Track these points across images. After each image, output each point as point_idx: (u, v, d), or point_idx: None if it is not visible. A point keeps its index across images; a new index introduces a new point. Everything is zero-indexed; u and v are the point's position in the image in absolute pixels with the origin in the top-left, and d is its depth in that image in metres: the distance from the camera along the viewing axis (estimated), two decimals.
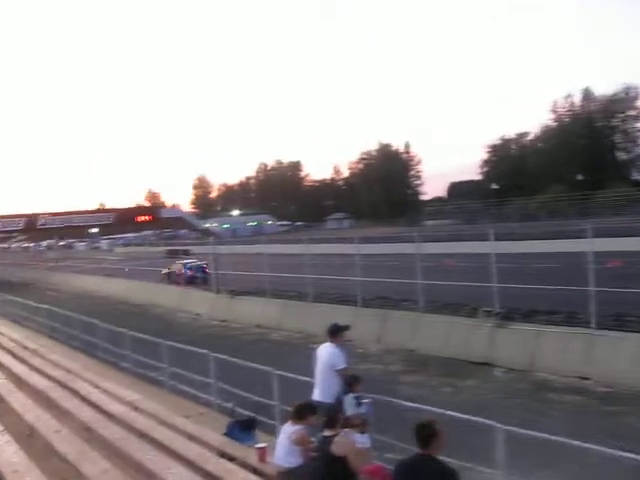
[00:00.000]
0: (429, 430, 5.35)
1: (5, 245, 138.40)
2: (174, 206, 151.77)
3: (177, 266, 39.24)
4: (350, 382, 8.13)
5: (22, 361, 14.45)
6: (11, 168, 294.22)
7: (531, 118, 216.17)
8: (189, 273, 37.67)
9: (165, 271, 40.07)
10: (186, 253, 46.37)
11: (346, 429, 7.01)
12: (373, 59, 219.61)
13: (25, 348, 17.04)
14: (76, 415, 9.36)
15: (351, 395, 7.93)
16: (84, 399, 10.71)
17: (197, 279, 36.51)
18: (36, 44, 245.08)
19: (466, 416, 7.50)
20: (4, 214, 76.95)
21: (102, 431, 8.47)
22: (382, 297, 22.16)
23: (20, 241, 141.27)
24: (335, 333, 8.99)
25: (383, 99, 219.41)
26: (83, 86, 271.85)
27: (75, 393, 11.17)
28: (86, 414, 9.40)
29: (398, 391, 13.62)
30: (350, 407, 7.79)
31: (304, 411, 7.21)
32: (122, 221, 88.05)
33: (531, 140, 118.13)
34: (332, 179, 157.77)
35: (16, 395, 10.19)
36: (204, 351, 13.16)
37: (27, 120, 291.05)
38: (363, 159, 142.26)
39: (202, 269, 37.27)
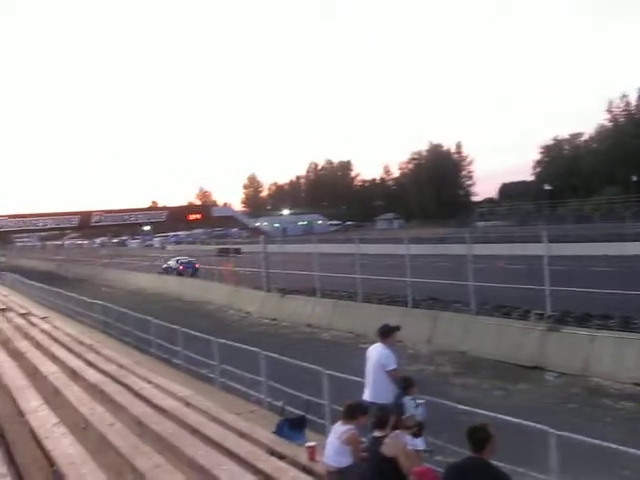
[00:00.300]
0: (482, 434, 5.30)
1: (60, 242, 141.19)
2: (225, 205, 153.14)
3: (172, 262, 47.74)
4: (405, 385, 8.10)
5: (77, 355, 14.71)
6: (66, 166, 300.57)
7: (585, 118, 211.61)
8: (180, 268, 45.98)
9: (165, 265, 48.27)
10: (237, 252, 46.69)
11: (397, 430, 6.99)
12: (425, 58, 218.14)
13: (80, 343, 17.35)
14: (129, 409, 9.49)
15: (409, 397, 7.89)
16: (137, 394, 10.85)
17: (187, 272, 44.41)
18: (80, 45, 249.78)
19: (518, 420, 7.42)
20: (59, 212, 78.67)
21: (155, 426, 8.57)
22: (432, 298, 21.98)
23: (74, 238, 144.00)
24: (386, 334, 8.97)
25: (435, 98, 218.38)
26: (137, 84, 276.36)
27: (128, 388, 11.33)
28: (139, 409, 9.52)
29: (449, 393, 13.50)
30: (410, 410, 7.76)
31: (355, 411, 7.21)
32: (174, 219, 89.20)
33: (585, 140, 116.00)
34: (382, 179, 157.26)
35: (71, 388, 10.39)
36: (255, 349, 13.25)
37: (81, 119, 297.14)
38: (413, 159, 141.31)
39: (192, 265, 45.14)
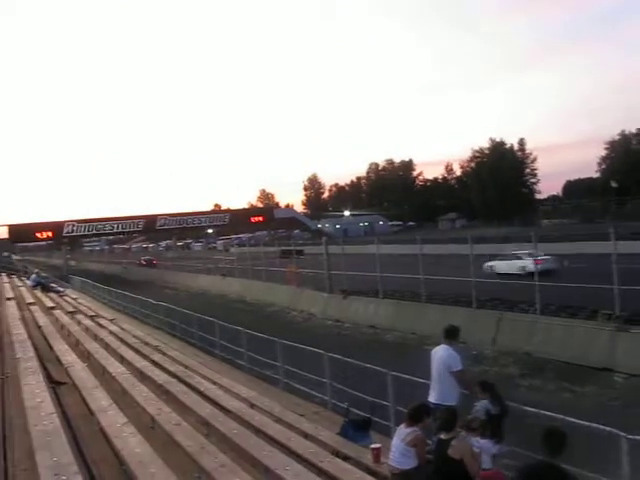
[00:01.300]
0: (558, 438, 5.18)
1: (126, 246, 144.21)
2: (287, 206, 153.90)
3: (146, 257, 64.49)
4: (483, 388, 7.99)
5: (144, 356, 14.98)
6: (132, 172, 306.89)
7: None
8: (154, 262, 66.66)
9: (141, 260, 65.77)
10: (299, 253, 46.84)
11: (464, 433, 6.90)
12: (489, 53, 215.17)
13: (146, 344, 17.67)
14: (195, 410, 9.62)
15: (485, 401, 7.77)
16: (202, 394, 10.98)
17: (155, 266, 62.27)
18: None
19: (587, 423, 7.22)
20: (125, 216, 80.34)
21: (220, 426, 8.65)
22: (496, 298, 21.68)
23: (140, 242, 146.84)
24: (451, 334, 8.87)
25: (497, 93, 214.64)
26: (200, 86, 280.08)
27: (194, 388, 11.48)
28: (205, 409, 9.63)
29: (514, 395, 13.24)
30: (481, 413, 7.66)
31: (419, 413, 7.15)
32: (236, 222, 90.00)
33: None
34: (444, 178, 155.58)
35: (139, 389, 10.57)
36: (319, 350, 13.26)
37: (145, 124, 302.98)
38: (475, 157, 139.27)
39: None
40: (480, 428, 7.27)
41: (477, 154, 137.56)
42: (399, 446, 6.97)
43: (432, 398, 8.57)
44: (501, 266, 30.92)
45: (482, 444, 7.07)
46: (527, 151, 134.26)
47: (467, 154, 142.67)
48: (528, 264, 24.98)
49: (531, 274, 21.38)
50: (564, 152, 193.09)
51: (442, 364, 8.61)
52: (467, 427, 7.16)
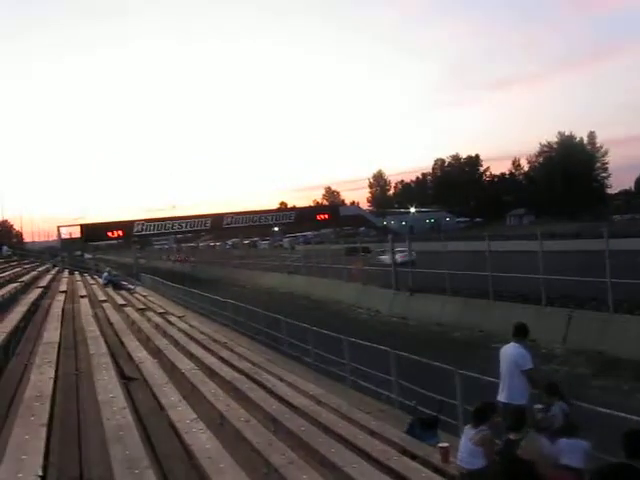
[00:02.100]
0: (638, 439, 5.01)
1: (193, 244, 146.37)
2: (353, 204, 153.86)
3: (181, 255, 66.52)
4: (550, 391, 7.81)
5: (212, 353, 15.16)
6: (200, 170, 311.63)
7: None
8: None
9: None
10: (366, 251, 46.76)
11: (535, 433, 6.78)
12: (557, 45, 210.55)
13: (214, 341, 17.87)
14: (263, 406, 9.68)
15: (561, 402, 7.61)
16: (270, 391, 11.05)
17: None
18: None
19: None
20: (192, 214, 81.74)
21: (288, 423, 8.69)
22: (567, 296, 21.17)
23: (207, 240, 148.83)
24: (521, 332, 8.69)
25: (567, 86, 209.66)
26: (265, 86, 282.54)
27: (261, 385, 11.55)
28: (272, 406, 9.68)
29: (587, 395, 12.92)
30: (559, 416, 7.49)
31: (485, 412, 7.05)
32: (302, 220, 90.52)
33: None
34: (511, 173, 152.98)
35: (208, 385, 10.69)
36: (385, 348, 13.21)
37: (211, 124, 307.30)
38: (543, 151, 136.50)
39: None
40: (551, 429, 7.11)
41: (545, 148, 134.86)
42: (467, 446, 6.89)
43: (501, 397, 8.42)
44: (386, 259, 37.36)
45: (571, 444, 6.84)
46: (597, 144, 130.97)
47: (535, 148, 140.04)
48: (397, 257, 33.16)
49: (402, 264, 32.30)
50: (637, 145, 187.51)
51: (512, 362, 8.44)
52: (537, 427, 7.02)
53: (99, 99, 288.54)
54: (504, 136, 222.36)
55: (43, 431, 6.07)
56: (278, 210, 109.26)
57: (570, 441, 6.80)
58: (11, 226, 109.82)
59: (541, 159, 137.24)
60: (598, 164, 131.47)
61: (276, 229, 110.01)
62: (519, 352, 8.43)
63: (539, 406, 7.62)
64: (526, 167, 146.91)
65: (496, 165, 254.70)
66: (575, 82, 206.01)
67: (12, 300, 19.34)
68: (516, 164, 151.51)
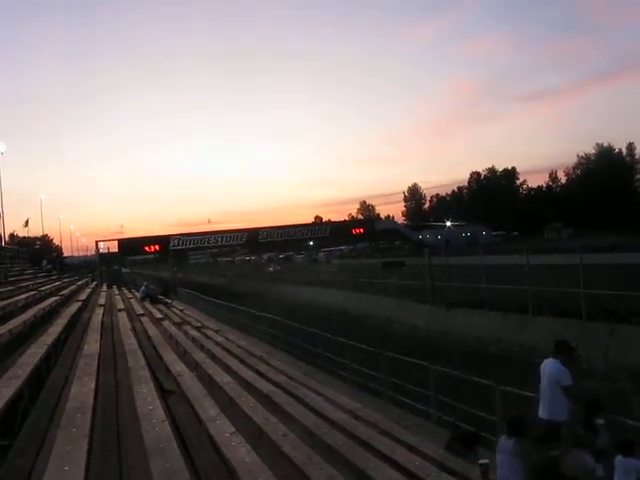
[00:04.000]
0: None
1: (229, 258, 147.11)
2: (388, 218, 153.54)
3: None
4: (592, 410, 7.66)
5: (249, 366, 15.23)
6: (235, 184, 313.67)
7: None
8: None
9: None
10: (401, 265, 46.63)
11: (577, 450, 6.66)
12: (592, 56, 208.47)
13: (251, 354, 17.94)
14: (300, 420, 9.68)
15: (600, 421, 7.47)
16: (307, 405, 11.05)
17: None
18: None
19: None
20: (228, 229, 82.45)
21: (326, 437, 8.68)
22: (608, 310, 20.81)
23: (243, 254, 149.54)
24: (561, 348, 8.58)
25: (602, 100, 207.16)
26: (301, 103, 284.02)
27: (298, 399, 11.56)
28: (310, 420, 9.68)
29: (630, 412, 12.66)
30: (605, 437, 7.35)
31: (521, 422, 6.99)
32: (337, 234, 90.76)
33: None
34: (548, 186, 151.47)
35: (245, 398, 10.73)
36: (423, 363, 13.13)
37: (246, 140, 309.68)
38: (581, 163, 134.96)
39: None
40: (592, 446, 6.98)
41: (583, 161, 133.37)
42: (505, 461, 6.83)
43: (542, 413, 8.32)
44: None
45: (628, 463, 6.67)
46: (636, 156, 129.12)
47: (572, 161, 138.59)
48: None
49: None
50: None
51: (551, 378, 8.34)
52: (580, 444, 6.91)
53: (138, 114, 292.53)
54: (541, 149, 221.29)
55: (85, 442, 6.14)
56: (313, 224, 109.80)
57: (627, 460, 6.66)
58: (51, 240, 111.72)
59: (579, 171, 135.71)
60: (637, 175, 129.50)
61: (311, 243, 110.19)
62: (558, 368, 8.32)
63: (601, 421, 7.46)
64: (563, 180, 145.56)
65: (533, 178, 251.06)
66: (613, 93, 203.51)
67: (53, 313, 19.65)
68: (553, 177, 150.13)
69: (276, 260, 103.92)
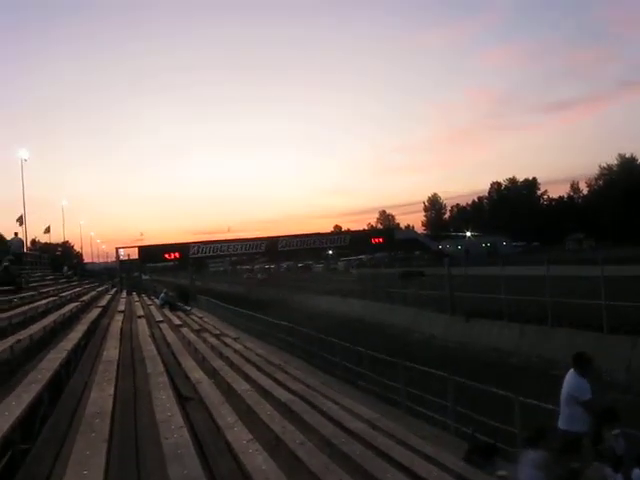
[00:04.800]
0: None
1: (248, 267, 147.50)
2: (408, 227, 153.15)
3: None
4: (607, 417, 7.59)
5: (267, 374, 15.21)
6: (252, 195, 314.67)
7: None
8: None
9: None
10: (421, 274, 46.44)
11: (597, 463, 6.60)
12: (614, 65, 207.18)
13: (269, 363, 17.92)
14: (318, 429, 9.65)
15: (616, 431, 7.39)
16: (324, 414, 11.01)
17: None
18: None
19: None
20: (247, 237, 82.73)
21: (343, 447, 8.64)
22: (630, 322, 20.58)
23: (262, 262, 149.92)
24: (580, 361, 8.52)
25: (624, 110, 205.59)
26: (316, 112, 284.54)
27: (316, 408, 11.52)
28: (327, 429, 9.64)
29: None
30: (611, 443, 7.28)
31: (542, 434, 6.93)
32: (357, 243, 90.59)
33: None
34: (570, 197, 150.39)
35: (263, 406, 10.71)
36: (442, 373, 13.07)
37: (265, 149, 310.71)
38: (603, 174, 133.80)
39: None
40: (612, 459, 6.91)
41: (605, 171, 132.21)
42: (527, 472, 6.76)
43: (561, 424, 8.27)
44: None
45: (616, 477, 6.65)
46: None
47: (594, 171, 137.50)
48: None
49: None
50: None
51: (570, 392, 8.31)
52: (601, 456, 6.84)
53: (158, 123, 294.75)
54: (562, 159, 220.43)
55: (104, 447, 6.16)
56: (332, 233, 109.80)
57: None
58: (72, 247, 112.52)
59: (601, 182, 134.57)
60: None
61: (330, 252, 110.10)
62: (577, 382, 8.30)
63: (617, 431, 7.40)
64: (585, 190, 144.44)
65: (554, 188, 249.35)
66: (635, 103, 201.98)
67: (73, 319, 19.77)
68: (575, 187, 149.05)
69: (262, 270, 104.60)
